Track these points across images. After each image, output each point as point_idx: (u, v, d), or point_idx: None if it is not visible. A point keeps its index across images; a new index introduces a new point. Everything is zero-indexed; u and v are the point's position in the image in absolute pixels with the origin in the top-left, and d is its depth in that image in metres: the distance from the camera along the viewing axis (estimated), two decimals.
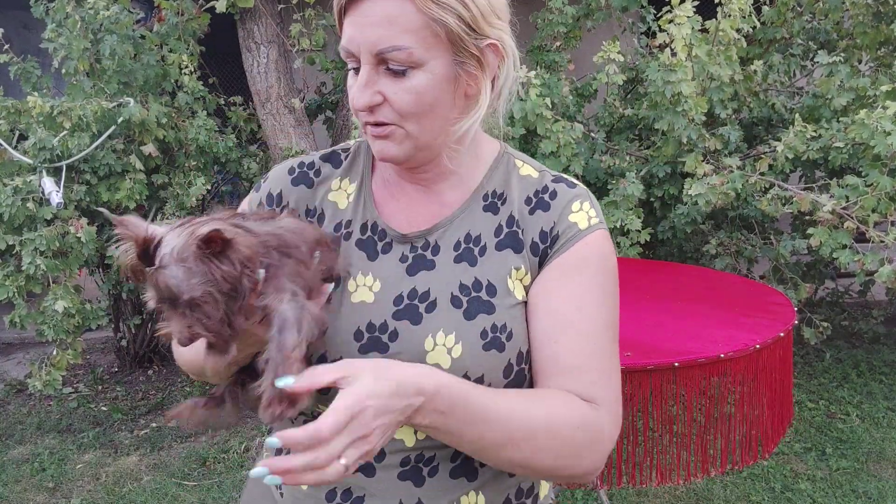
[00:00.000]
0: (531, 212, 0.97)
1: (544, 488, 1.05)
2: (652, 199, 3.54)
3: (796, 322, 2.05)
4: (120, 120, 3.33)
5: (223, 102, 4.11)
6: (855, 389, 3.83)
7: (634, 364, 1.73)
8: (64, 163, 3.28)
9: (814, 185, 3.37)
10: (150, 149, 3.49)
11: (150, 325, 4.46)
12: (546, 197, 0.98)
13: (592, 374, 0.93)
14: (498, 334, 0.92)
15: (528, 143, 3.28)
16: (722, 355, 1.75)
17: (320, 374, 0.76)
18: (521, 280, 0.95)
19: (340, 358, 0.88)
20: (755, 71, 3.52)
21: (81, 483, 3.27)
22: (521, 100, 3.10)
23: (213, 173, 4.08)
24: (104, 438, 3.67)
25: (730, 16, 3.16)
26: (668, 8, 3.12)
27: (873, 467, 3.14)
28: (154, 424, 3.82)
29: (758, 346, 1.80)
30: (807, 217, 3.13)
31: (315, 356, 0.92)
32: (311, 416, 0.91)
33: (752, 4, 3.23)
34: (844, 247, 2.90)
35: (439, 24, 0.85)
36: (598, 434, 0.91)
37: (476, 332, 0.91)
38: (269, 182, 1.05)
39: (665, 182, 3.45)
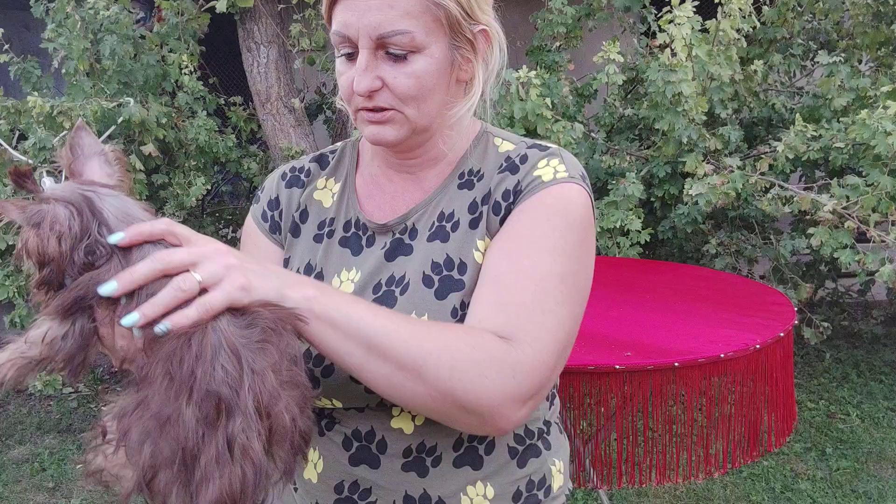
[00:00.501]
0: (500, 173, 0.95)
1: (558, 480, 1.04)
2: (652, 199, 3.54)
3: (796, 322, 2.05)
4: (120, 120, 3.33)
5: (223, 102, 4.11)
6: (855, 389, 3.83)
7: (634, 364, 1.73)
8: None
9: (814, 185, 3.37)
10: (150, 149, 3.48)
11: None
12: (517, 160, 0.96)
13: (519, 311, 0.85)
14: (468, 310, 0.90)
15: None
16: (722, 355, 1.75)
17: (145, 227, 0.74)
18: (484, 249, 0.93)
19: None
20: (755, 71, 3.52)
21: (81, 483, 3.27)
22: (521, 100, 3.10)
23: (213, 173, 4.08)
24: None
25: (730, 16, 3.16)
26: (668, 8, 3.12)
27: (873, 467, 3.14)
28: None
29: (758, 346, 1.80)
30: (807, 217, 3.13)
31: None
32: None
33: (752, 4, 3.23)
34: (845, 246, 2.90)
35: (440, 8, 0.86)
36: (504, 365, 0.81)
37: (447, 312, 0.90)
38: (266, 191, 1.07)
39: (665, 182, 3.45)
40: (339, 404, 0.94)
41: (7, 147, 3.31)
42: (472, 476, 0.96)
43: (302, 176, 1.06)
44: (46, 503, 3.13)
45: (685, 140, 3.17)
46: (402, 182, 1.00)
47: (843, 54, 3.50)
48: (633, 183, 3.19)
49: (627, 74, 3.56)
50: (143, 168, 3.50)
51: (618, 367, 1.72)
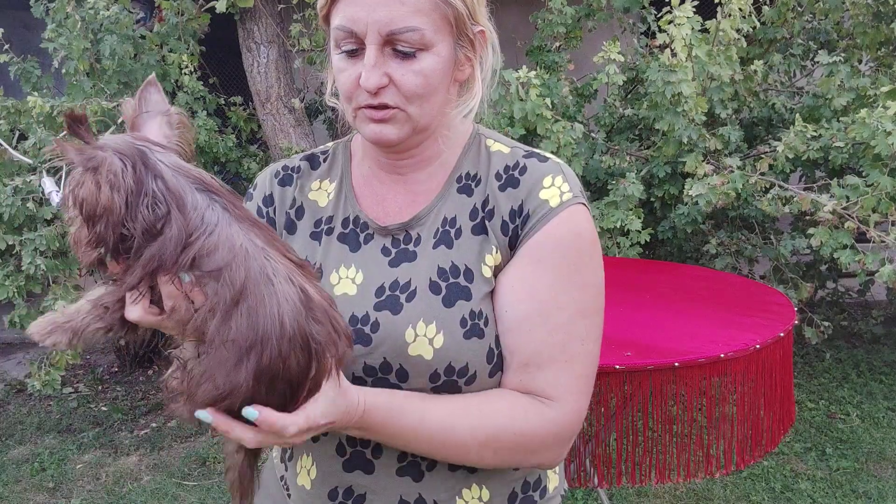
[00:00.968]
0: (502, 188, 0.95)
1: (553, 481, 1.04)
2: (652, 199, 3.54)
3: (796, 322, 2.05)
4: (120, 120, 3.32)
5: (223, 102, 4.11)
6: (855, 389, 3.83)
7: (634, 364, 1.73)
8: (64, 163, 3.28)
9: (814, 185, 3.37)
10: None
11: None
12: (516, 173, 0.95)
13: (553, 369, 0.91)
14: (477, 321, 0.91)
15: (528, 143, 3.25)
16: (722, 355, 1.75)
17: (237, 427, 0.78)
18: (494, 265, 0.93)
19: None
20: (755, 71, 3.52)
21: (81, 483, 3.27)
22: (521, 100, 3.10)
23: (214, 173, 4.07)
24: (104, 438, 3.67)
25: (730, 16, 3.16)
26: (668, 8, 3.12)
27: (873, 467, 3.14)
28: (154, 424, 3.81)
29: (758, 346, 1.80)
30: (807, 217, 3.13)
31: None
32: None
33: (752, 4, 3.23)
34: (845, 247, 2.90)
35: (449, 7, 0.86)
36: (547, 433, 0.92)
37: (456, 321, 0.90)
38: (259, 188, 1.07)
39: (665, 182, 3.44)
40: None
41: (7, 147, 3.31)
42: (467, 479, 0.95)
43: (294, 175, 1.06)
44: (46, 503, 3.13)
45: (685, 140, 3.17)
46: (391, 184, 1.00)
47: (843, 54, 3.50)
48: (633, 183, 3.18)
49: (627, 74, 3.56)
50: None
51: (618, 367, 1.72)
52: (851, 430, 3.43)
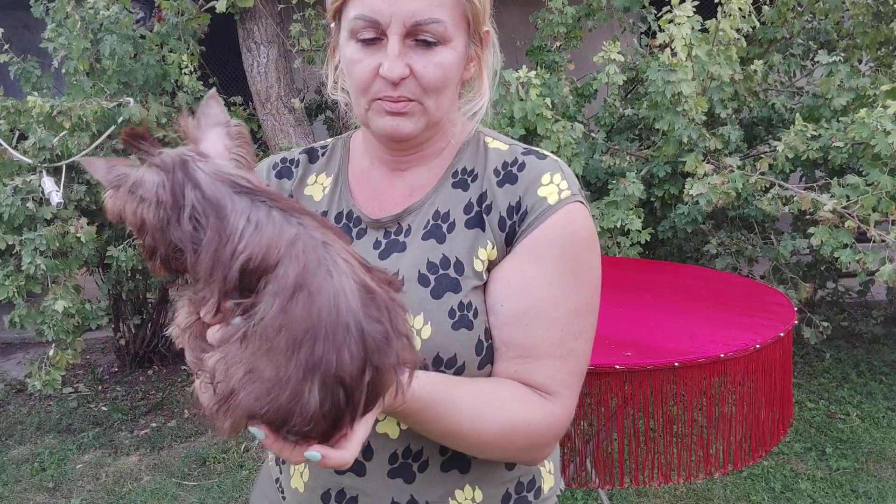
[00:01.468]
0: (500, 184, 0.94)
1: (548, 481, 1.04)
2: (652, 199, 3.54)
3: (796, 322, 2.05)
4: (120, 120, 3.32)
5: (223, 102, 4.10)
6: (855, 389, 3.83)
7: (634, 364, 1.73)
8: (64, 163, 3.28)
9: (814, 185, 3.37)
10: None
11: (149, 325, 4.46)
12: (514, 170, 0.95)
13: (550, 364, 0.92)
14: (465, 312, 0.91)
15: (528, 143, 3.25)
16: (722, 355, 1.75)
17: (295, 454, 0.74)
18: (488, 259, 0.93)
19: None
20: (755, 71, 3.52)
21: (81, 483, 3.27)
22: (521, 100, 3.10)
23: None
24: (104, 438, 3.67)
25: (730, 16, 3.16)
26: (668, 8, 3.12)
27: (873, 467, 3.14)
28: (154, 424, 3.82)
29: (758, 346, 1.80)
30: (807, 217, 3.13)
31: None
32: None
33: (752, 4, 3.23)
34: (845, 246, 2.90)
35: (469, 4, 0.88)
36: (548, 430, 0.92)
37: (444, 311, 0.90)
38: None
39: (665, 182, 3.45)
40: None
41: (7, 147, 3.31)
42: (459, 480, 0.95)
43: (293, 167, 1.06)
44: (46, 503, 3.13)
45: (685, 140, 3.17)
46: (391, 179, 1.00)
47: (842, 54, 3.50)
48: (633, 183, 3.18)
49: (627, 74, 3.56)
50: None
51: (618, 367, 1.72)
52: (851, 430, 3.43)
